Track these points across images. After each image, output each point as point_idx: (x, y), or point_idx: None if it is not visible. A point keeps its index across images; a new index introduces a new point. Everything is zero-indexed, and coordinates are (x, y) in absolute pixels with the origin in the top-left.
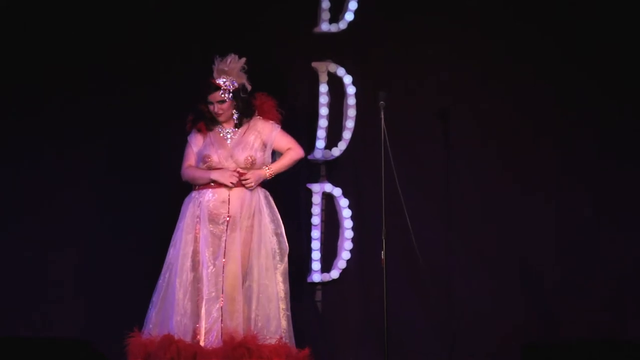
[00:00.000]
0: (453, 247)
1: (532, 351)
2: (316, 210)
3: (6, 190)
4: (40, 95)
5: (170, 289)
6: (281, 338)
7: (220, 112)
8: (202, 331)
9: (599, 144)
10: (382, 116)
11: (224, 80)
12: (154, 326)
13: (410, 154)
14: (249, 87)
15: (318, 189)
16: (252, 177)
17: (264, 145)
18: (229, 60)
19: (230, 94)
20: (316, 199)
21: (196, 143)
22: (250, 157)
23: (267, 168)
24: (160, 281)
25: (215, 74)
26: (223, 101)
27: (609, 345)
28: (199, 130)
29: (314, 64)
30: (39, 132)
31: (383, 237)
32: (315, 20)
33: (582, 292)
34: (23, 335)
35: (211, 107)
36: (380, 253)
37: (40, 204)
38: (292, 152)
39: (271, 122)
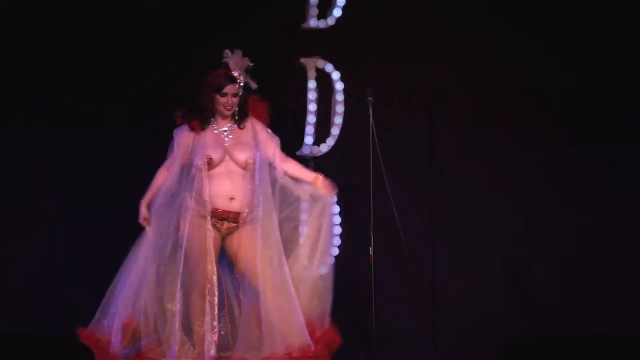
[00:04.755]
0: (441, 242)
1: (515, 344)
2: (304, 206)
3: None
4: (34, 93)
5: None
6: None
7: (232, 106)
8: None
9: (586, 141)
10: (371, 112)
11: (239, 73)
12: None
13: (398, 150)
14: (254, 86)
15: None
16: (330, 188)
17: (260, 147)
18: (241, 54)
19: (242, 90)
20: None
21: (184, 141)
22: (251, 158)
23: (317, 175)
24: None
25: (232, 66)
26: (237, 94)
27: (593, 340)
28: (192, 129)
29: (302, 60)
30: (36, 131)
31: (371, 233)
32: (303, 16)
33: (569, 287)
34: (7, 330)
35: (224, 99)
36: (368, 249)
37: (36, 202)
38: (293, 161)
39: (268, 130)
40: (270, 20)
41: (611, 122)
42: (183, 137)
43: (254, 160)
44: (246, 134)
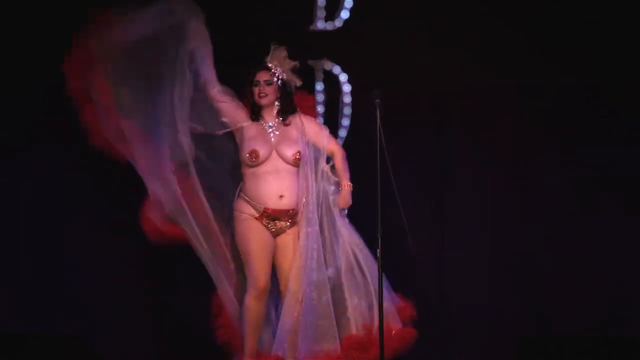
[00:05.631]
0: (449, 243)
1: (525, 346)
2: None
3: (4, 189)
4: (34, 93)
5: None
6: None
7: (264, 94)
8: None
9: (586, 142)
10: (378, 114)
11: (275, 64)
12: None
13: (406, 152)
14: (298, 83)
15: None
16: (346, 202)
17: (310, 142)
18: (277, 47)
19: (279, 81)
20: None
21: (233, 101)
22: (298, 152)
23: (346, 184)
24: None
25: (268, 58)
26: (270, 82)
27: (593, 340)
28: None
29: (310, 62)
30: (36, 131)
31: (379, 235)
32: (311, 18)
33: (569, 287)
34: (7, 330)
35: (256, 88)
36: (376, 251)
37: (36, 202)
38: (342, 154)
39: (318, 122)
40: (277, 23)
41: (611, 122)
42: (234, 102)
43: (302, 155)
44: (293, 130)
